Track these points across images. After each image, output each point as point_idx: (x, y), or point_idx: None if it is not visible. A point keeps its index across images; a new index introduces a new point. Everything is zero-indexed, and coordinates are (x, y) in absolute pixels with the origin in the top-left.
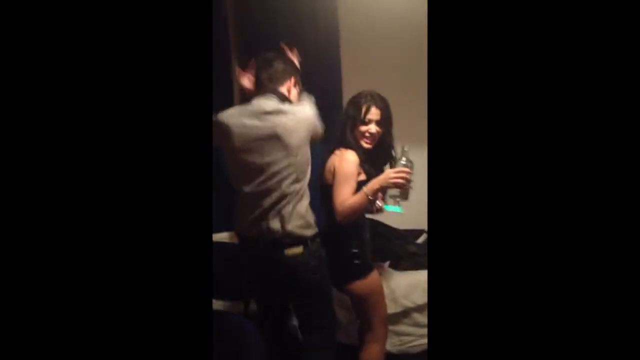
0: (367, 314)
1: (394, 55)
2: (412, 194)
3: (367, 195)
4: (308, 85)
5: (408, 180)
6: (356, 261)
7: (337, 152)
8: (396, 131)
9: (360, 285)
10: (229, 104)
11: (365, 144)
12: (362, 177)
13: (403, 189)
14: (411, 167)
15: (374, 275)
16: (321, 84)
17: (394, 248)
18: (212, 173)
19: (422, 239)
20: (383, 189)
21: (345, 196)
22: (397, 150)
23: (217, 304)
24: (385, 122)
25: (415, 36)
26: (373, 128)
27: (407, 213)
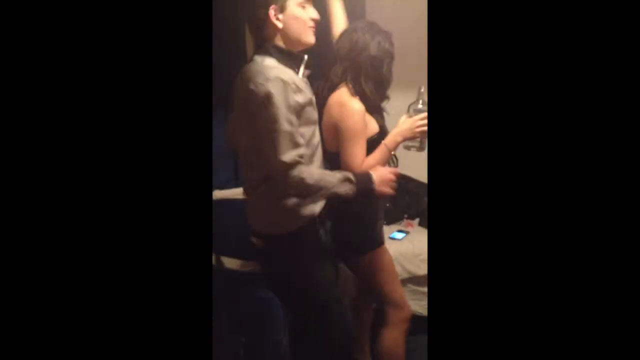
0: (377, 294)
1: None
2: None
3: (390, 150)
4: None
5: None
6: (365, 236)
7: (333, 99)
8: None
9: (365, 262)
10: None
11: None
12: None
13: (423, 138)
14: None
15: (381, 251)
16: None
17: (425, 205)
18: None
19: None
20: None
21: (362, 156)
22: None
23: (231, 262)
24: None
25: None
26: None
27: None
